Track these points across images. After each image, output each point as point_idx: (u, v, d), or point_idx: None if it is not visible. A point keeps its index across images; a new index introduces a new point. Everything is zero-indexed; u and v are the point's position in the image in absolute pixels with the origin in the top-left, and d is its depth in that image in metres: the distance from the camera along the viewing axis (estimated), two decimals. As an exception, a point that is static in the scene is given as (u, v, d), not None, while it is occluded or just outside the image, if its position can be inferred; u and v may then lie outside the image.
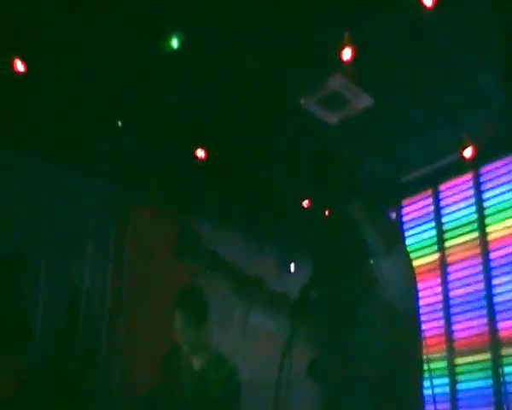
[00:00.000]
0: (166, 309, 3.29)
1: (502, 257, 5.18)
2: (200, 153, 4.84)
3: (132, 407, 4.49)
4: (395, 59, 4.19)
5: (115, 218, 5.11)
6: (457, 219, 5.58)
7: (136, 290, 5.18)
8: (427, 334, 5.27)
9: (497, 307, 5.16)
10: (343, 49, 3.92)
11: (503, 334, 5.10)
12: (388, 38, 3.96)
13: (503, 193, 5.27)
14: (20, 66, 3.99)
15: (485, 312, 5.22)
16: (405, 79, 4.40)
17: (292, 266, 6.31)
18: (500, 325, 5.13)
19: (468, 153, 5.01)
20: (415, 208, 5.97)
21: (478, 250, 5.35)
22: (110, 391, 4.81)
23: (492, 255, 5.25)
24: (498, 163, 5.32)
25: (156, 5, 3.64)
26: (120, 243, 5.23)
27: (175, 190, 5.38)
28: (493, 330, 5.15)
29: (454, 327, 5.41)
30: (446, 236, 5.65)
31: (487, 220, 5.35)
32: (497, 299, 5.18)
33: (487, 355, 5.14)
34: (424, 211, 5.88)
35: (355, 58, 3.93)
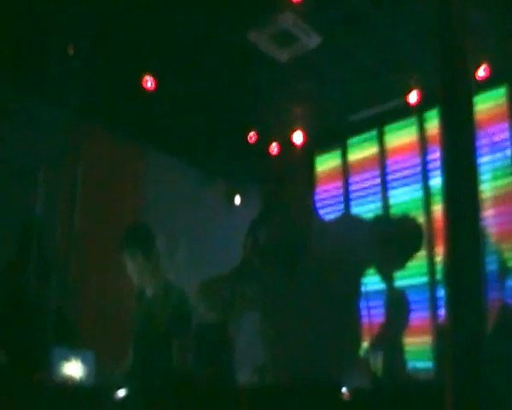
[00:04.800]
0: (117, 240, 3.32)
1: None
2: (149, 83, 4.79)
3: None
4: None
5: (68, 147, 5.06)
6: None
7: (87, 221, 5.20)
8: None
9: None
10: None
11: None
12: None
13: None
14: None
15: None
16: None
17: (237, 198, 6.32)
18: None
19: (413, 98, 5.13)
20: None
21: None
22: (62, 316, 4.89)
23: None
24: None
25: None
26: (73, 172, 5.21)
27: (127, 120, 5.34)
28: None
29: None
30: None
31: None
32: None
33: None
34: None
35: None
